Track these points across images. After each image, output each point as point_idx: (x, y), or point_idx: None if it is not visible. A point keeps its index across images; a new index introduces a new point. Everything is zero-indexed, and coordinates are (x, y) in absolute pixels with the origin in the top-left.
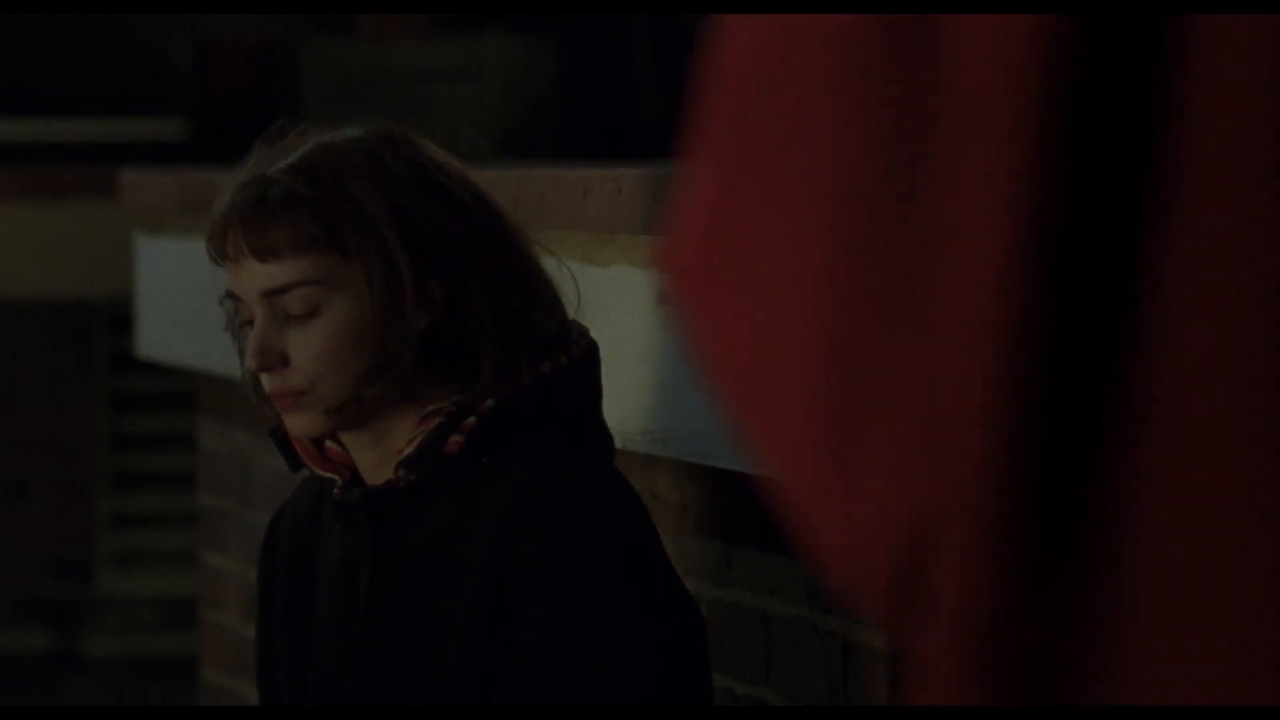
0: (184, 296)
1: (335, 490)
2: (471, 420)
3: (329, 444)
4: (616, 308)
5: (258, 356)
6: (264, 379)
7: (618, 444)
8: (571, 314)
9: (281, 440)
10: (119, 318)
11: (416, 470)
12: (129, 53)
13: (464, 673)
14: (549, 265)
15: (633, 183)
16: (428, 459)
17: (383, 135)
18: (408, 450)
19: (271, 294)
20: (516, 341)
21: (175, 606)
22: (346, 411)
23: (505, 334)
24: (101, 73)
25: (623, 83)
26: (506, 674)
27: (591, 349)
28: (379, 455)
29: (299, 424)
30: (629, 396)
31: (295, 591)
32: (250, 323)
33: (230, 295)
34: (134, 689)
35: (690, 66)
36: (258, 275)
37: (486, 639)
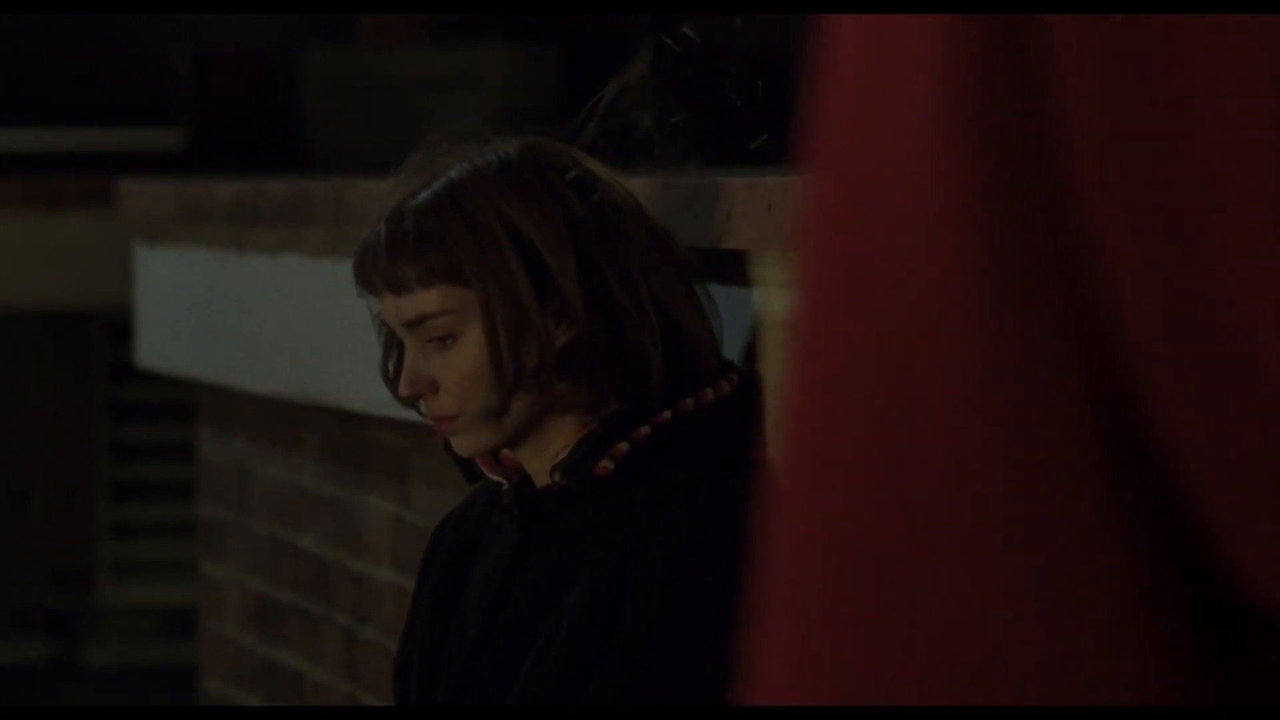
0: (183, 306)
1: (502, 492)
2: (624, 446)
3: (504, 450)
4: None
5: (408, 385)
6: (422, 404)
7: None
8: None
9: (452, 452)
10: (118, 327)
11: (567, 476)
12: (128, 62)
13: (566, 662)
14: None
15: (632, 191)
16: (578, 468)
17: (525, 155)
18: (562, 455)
19: (411, 324)
20: (675, 354)
21: (175, 616)
22: (498, 430)
23: (652, 345)
24: (101, 82)
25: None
26: (603, 665)
27: (750, 381)
28: (543, 462)
29: (461, 445)
30: None
31: (445, 588)
32: (395, 347)
33: (383, 322)
34: (134, 698)
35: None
36: (396, 307)
37: (593, 633)
